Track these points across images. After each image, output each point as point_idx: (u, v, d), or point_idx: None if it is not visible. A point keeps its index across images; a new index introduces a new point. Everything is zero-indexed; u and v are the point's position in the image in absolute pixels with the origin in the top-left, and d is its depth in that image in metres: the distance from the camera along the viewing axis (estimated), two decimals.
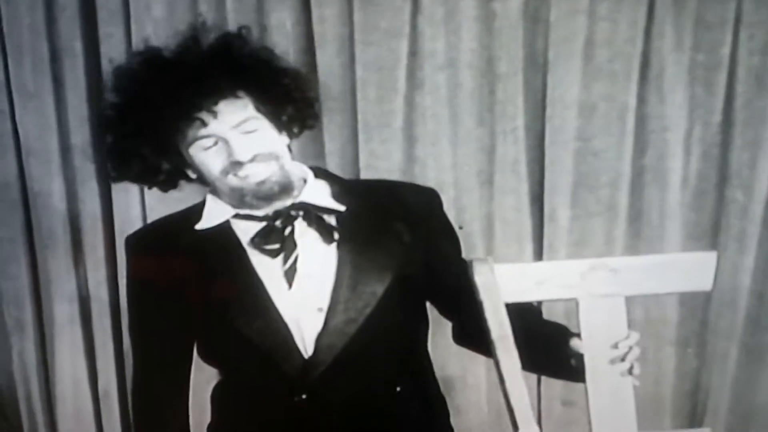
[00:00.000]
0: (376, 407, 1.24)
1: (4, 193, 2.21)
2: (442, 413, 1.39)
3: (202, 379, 1.38)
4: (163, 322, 1.26)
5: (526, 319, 1.11)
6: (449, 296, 1.26)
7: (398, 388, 1.27)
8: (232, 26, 1.99)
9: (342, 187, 1.27)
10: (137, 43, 2.01)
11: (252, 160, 1.15)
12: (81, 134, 2.14)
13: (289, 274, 1.20)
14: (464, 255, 1.35)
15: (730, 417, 2.15)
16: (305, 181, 1.25)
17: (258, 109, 1.17)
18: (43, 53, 2.12)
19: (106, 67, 2.03)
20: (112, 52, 2.04)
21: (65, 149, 2.18)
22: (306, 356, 1.19)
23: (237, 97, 1.15)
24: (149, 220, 2.13)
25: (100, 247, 2.22)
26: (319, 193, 1.25)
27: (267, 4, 2.02)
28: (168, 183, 1.26)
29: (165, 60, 1.16)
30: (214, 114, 1.13)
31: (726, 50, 1.94)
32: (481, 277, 1.03)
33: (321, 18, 2.01)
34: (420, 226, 1.25)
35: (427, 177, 2.04)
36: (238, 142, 1.14)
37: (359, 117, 2.05)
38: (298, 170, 1.26)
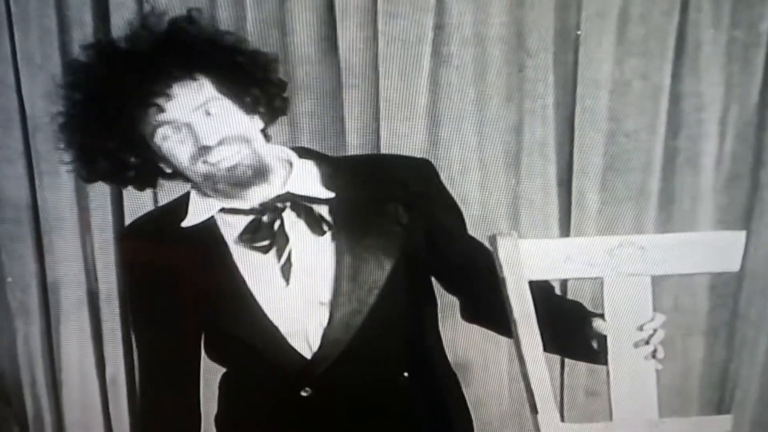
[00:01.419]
0: (383, 397, 1.21)
1: (10, 171, 2.13)
2: (454, 400, 1.34)
3: (211, 368, 1.33)
4: (156, 318, 1.24)
5: (546, 298, 1.08)
6: (454, 272, 1.23)
7: (405, 374, 1.23)
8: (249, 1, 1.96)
9: (330, 168, 1.22)
10: (148, 13, 1.96)
11: (220, 143, 1.11)
12: None
13: (286, 270, 1.16)
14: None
15: (758, 407, 2.14)
16: (291, 164, 1.21)
17: (220, 91, 1.13)
18: (51, 24, 2.03)
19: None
20: (124, 22, 1.97)
21: None
22: (310, 352, 1.16)
23: (193, 79, 1.11)
24: (160, 200, 2.09)
25: (109, 229, 2.14)
26: (306, 181, 1.20)
27: None
28: (142, 180, 1.23)
29: (115, 50, 1.14)
30: (168, 97, 1.09)
31: (765, 26, 1.91)
32: (504, 252, 1.00)
33: None
34: (416, 202, 1.21)
35: (451, 157, 1.99)
36: (202, 125, 1.11)
37: (381, 94, 1.98)
38: (279, 153, 1.22)
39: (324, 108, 1.96)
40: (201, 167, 1.12)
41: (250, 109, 1.17)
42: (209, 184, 1.15)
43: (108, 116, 1.10)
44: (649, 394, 1.03)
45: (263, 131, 1.20)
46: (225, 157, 1.11)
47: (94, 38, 1.19)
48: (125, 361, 2.24)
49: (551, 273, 1.03)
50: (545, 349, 1.05)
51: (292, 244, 1.16)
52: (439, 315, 1.33)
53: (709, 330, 2.10)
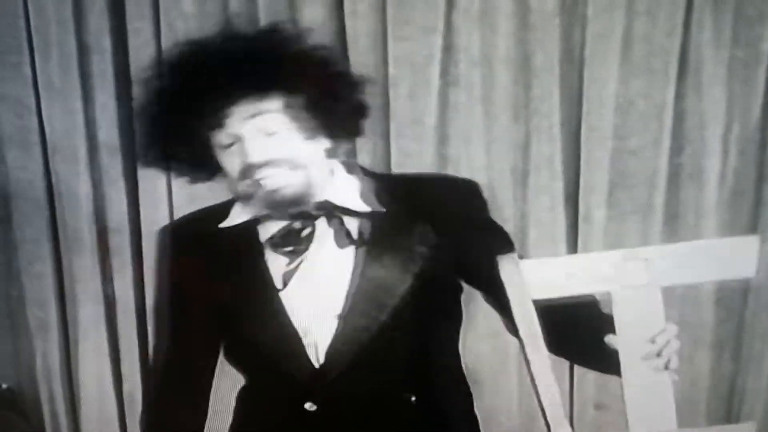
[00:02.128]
0: (387, 416, 1.19)
1: (29, 192, 2.18)
2: (463, 418, 1.31)
3: (228, 383, 1.34)
4: (187, 318, 1.23)
5: (575, 308, 1.07)
6: (495, 290, 1.17)
7: (413, 398, 1.21)
8: (264, 22, 1.98)
9: (374, 184, 1.22)
10: (166, 38, 2.01)
11: (266, 164, 1.10)
12: (108, 132, 2.11)
13: (288, 275, 1.16)
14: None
15: (766, 419, 2.12)
16: (333, 175, 1.20)
17: (292, 107, 1.11)
18: (70, 49, 2.09)
19: (135, 63, 2.03)
20: (141, 47, 2.03)
21: (92, 147, 2.14)
22: (317, 363, 1.16)
23: (265, 93, 1.10)
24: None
25: (126, 248, 2.19)
26: (345, 192, 1.19)
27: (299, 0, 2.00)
28: (198, 173, 1.22)
29: (204, 51, 1.13)
30: (240, 109, 1.09)
31: (766, 46, 1.93)
32: (506, 274, 0.99)
33: (353, 13, 1.98)
34: (455, 221, 1.19)
35: (459, 175, 2.00)
36: (254, 142, 1.10)
37: (391, 114, 2.02)
38: (328, 169, 1.20)
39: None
40: (245, 184, 1.12)
41: (318, 129, 1.14)
42: (244, 203, 1.16)
43: (178, 111, 1.11)
44: (667, 405, 1.00)
45: (327, 151, 1.18)
46: (267, 178, 1.10)
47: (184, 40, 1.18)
48: (142, 377, 2.25)
49: (557, 291, 1.00)
50: (557, 353, 1.05)
51: (310, 252, 1.16)
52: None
53: (716, 343, 2.10)
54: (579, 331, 1.08)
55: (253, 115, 1.09)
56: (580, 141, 2.01)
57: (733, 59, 1.94)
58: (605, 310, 1.06)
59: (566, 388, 2.12)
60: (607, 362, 1.05)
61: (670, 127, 1.98)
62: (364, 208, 1.18)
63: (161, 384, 1.31)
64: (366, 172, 1.26)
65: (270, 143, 1.10)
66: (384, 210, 1.18)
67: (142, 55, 2.02)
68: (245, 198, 1.15)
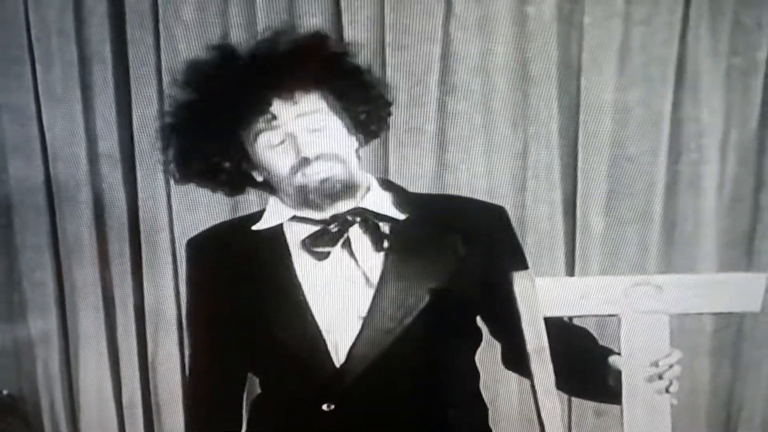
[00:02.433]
0: (403, 421, 1.21)
1: (31, 199, 2.18)
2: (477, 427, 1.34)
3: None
4: (219, 323, 1.26)
5: (576, 340, 1.13)
6: (502, 317, 1.21)
7: (432, 405, 1.23)
8: (262, 31, 2.00)
9: (405, 198, 1.26)
10: (166, 48, 2.02)
11: (318, 157, 1.15)
12: (109, 140, 2.12)
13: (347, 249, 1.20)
14: None
15: (765, 427, 2.12)
16: (369, 189, 1.25)
17: (332, 107, 1.18)
18: (72, 58, 2.10)
19: (135, 72, 2.05)
20: (141, 56, 2.04)
21: (93, 155, 2.15)
22: (338, 363, 1.18)
23: (308, 92, 1.16)
24: (175, 231, 2.12)
25: (126, 256, 2.19)
26: (380, 201, 1.24)
27: (298, 8, 2.00)
28: (232, 186, 1.27)
29: (239, 56, 1.17)
30: (284, 107, 1.14)
31: (763, 54, 1.93)
32: (520, 288, 1.02)
33: (352, 21, 1.99)
34: (480, 242, 1.22)
35: (458, 183, 2.02)
36: (305, 138, 1.15)
37: (390, 122, 1.99)
38: (364, 178, 1.26)
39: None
40: (297, 178, 1.17)
41: (356, 127, 1.22)
42: (301, 195, 1.19)
43: (217, 119, 1.14)
44: (664, 427, 1.04)
45: (356, 151, 1.25)
46: (320, 171, 1.16)
47: (216, 42, 1.21)
48: (142, 384, 2.26)
49: (568, 310, 1.05)
50: (560, 388, 1.07)
51: (342, 253, 1.20)
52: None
53: (715, 351, 2.10)
54: (578, 365, 1.11)
55: (301, 114, 1.15)
56: (578, 149, 2.01)
57: (730, 67, 1.95)
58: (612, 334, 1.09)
59: (565, 397, 2.12)
60: (607, 392, 1.09)
61: (668, 135, 1.98)
62: (399, 215, 1.22)
63: (197, 395, 1.36)
64: (398, 189, 1.30)
65: (318, 139, 1.16)
66: (416, 219, 1.22)
67: (142, 64, 2.04)
68: (300, 191, 1.18)
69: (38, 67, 2.11)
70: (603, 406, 2.02)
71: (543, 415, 1.01)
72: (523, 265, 1.27)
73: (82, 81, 2.12)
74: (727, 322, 2.08)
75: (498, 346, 1.33)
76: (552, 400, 1.01)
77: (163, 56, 2.03)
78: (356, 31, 1.99)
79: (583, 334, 1.19)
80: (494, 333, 1.30)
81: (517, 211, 2.06)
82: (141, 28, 2.05)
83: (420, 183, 1.99)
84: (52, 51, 2.10)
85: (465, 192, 1.98)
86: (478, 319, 1.30)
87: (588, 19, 1.94)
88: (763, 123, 1.98)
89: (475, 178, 2.04)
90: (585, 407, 2.12)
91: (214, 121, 1.15)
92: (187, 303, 1.32)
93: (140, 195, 2.13)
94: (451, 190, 1.99)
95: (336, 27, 2.01)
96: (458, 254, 1.21)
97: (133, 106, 2.03)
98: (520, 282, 1.02)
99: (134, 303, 2.22)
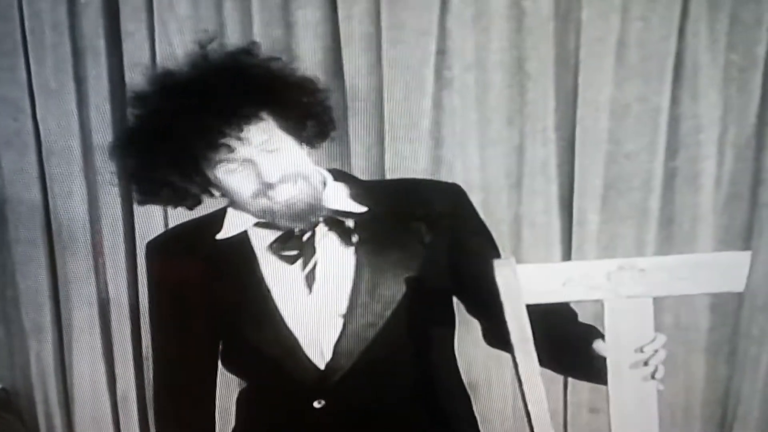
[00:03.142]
0: (394, 413, 1.22)
1: (25, 194, 2.18)
2: (464, 418, 1.35)
3: (230, 384, 1.35)
4: (184, 328, 1.25)
5: (557, 320, 1.10)
6: (477, 295, 1.23)
7: (418, 393, 1.24)
8: (257, 24, 2.00)
9: (360, 189, 1.26)
10: (160, 41, 2.02)
11: (281, 180, 1.14)
12: (103, 134, 2.11)
13: (309, 280, 1.19)
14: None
15: (761, 423, 2.12)
16: (324, 184, 1.24)
17: (281, 126, 1.16)
18: (65, 51, 2.09)
19: (129, 66, 2.03)
20: (135, 50, 2.03)
21: (87, 149, 2.15)
22: (323, 363, 1.18)
23: (260, 118, 1.14)
24: (170, 223, 2.10)
25: (120, 250, 2.19)
26: (338, 197, 1.23)
27: (293, 1, 1.99)
28: (195, 203, 1.25)
29: (183, 85, 1.14)
30: (239, 138, 1.11)
31: (761, 50, 1.92)
32: (502, 278, 1.00)
33: (348, 16, 1.97)
34: (442, 223, 1.22)
35: (454, 179, 1.96)
36: (265, 163, 1.13)
37: (385, 117, 2.01)
38: (318, 175, 1.24)
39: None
40: (262, 202, 1.15)
41: (305, 140, 1.20)
42: (267, 218, 1.18)
43: (176, 151, 1.12)
44: (651, 414, 1.03)
45: (308, 156, 1.23)
46: (284, 192, 1.14)
47: (153, 71, 1.19)
48: (136, 377, 2.27)
49: (551, 296, 1.03)
50: (548, 366, 1.08)
51: (319, 256, 1.19)
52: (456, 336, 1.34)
53: (711, 347, 2.10)
54: (562, 341, 1.10)
55: (254, 140, 1.12)
56: (574, 145, 2.00)
57: (728, 63, 1.93)
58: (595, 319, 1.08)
59: (560, 391, 2.13)
60: (593, 372, 1.07)
61: (666, 131, 1.97)
62: (361, 209, 1.21)
63: (163, 392, 1.34)
64: (352, 179, 1.29)
65: (277, 161, 1.14)
66: (378, 211, 1.21)
67: (136, 57, 2.03)
68: (265, 214, 1.18)
69: (32, 59, 2.10)
70: (598, 403, 2.06)
71: (529, 404, 1.01)
72: (488, 242, 1.28)
73: (76, 74, 2.11)
74: (722, 319, 2.08)
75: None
76: (537, 391, 1.00)
77: (157, 49, 2.02)
78: (352, 26, 1.98)
79: (563, 310, 1.17)
80: (471, 312, 1.29)
81: (513, 207, 2.06)
82: (135, 21, 2.04)
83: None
84: (46, 44, 2.09)
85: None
86: (454, 300, 1.30)
87: (585, 14, 1.92)
88: (761, 119, 1.96)
89: (470, 174, 2.03)
90: (580, 404, 2.13)
91: (174, 154, 1.13)
92: (149, 307, 1.31)
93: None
94: None
95: (331, 21, 2.00)
96: (424, 239, 1.20)
97: (128, 100, 2.01)
98: (501, 270, 1.00)
99: (128, 296, 2.22)
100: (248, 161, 1.13)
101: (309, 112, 1.18)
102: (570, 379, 2.11)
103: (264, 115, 1.14)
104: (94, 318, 2.25)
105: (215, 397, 1.33)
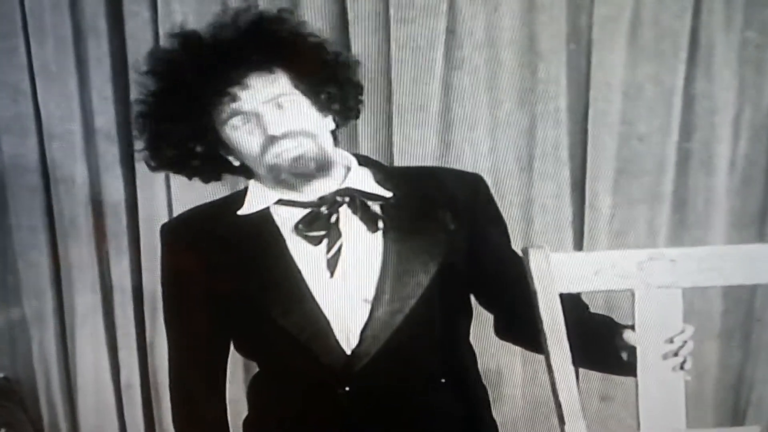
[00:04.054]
0: (419, 399, 1.22)
1: (26, 179, 2.16)
2: (484, 405, 1.35)
3: (240, 370, 1.33)
4: (199, 312, 1.24)
5: (578, 314, 1.10)
6: (493, 287, 1.24)
7: (443, 380, 1.24)
8: (261, 4, 1.96)
9: (386, 174, 1.25)
10: (163, 21, 1.98)
11: (285, 135, 1.13)
12: (105, 117, 2.08)
13: (332, 263, 1.18)
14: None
15: None
16: (349, 168, 1.23)
17: (296, 86, 1.16)
18: (66, 32, 2.06)
19: (131, 47, 2.01)
20: (138, 30, 2.00)
21: (89, 133, 2.12)
22: (349, 348, 1.17)
23: (270, 71, 1.14)
24: (174, 205, 2.11)
25: (123, 236, 2.17)
26: (364, 180, 1.22)
27: None
28: (207, 171, 1.25)
29: (199, 40, 1.16)
30: (245, 87, 1.13)
31: None
32: (536, 265, 1.01)
33: None
34: (464, 213, 1.22)
35: (463, 162, 1.99)
36: (271, 116, 1.13)
37: (394, 99, 1.99)
38: (340, 157, 1.24)
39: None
40: (268, 158, 1.14)
41: (324, 106, 1.19)
42: (274, 174, 1.17)
43: (183, 104, 1.13)
44: (678, 404, 1.04)
45: (333, 132, 1.23)
46: (290, 148, 1.14)
47: (177, 29, 1.20)
48: (140, 365, 2.25)
49: (582, 285, 1.04)
50: (574, 364, 1.05)
51: (344, 239, 1.18)
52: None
53: (724, 333, 2.09)
54: (589, 333, 1.09)
55: (265, 93, 1.13)
56: (587, 126, 1.98)
57: (744, 42, 1.91)
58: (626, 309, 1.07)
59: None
60: (620, 363, 1.08)
61: (679, 112, 1.95)
62: (387, 193, 1.21)
63: (178, 379, 1.32)
64: (377, 164, 1.28)
65: (284, 116, 1.14)
66: (404, 197, 1.21)
67: (139, 38, 2.00)
68: (272, 170, 1.16)
69: (32, 41, 2.06)
70: (609, 391, 2.05)
71: (560, 395, 1.00)
72: (504, 235, 1.29)
73: (77, 56, 2.08)
74: (735, 304, 2.07)
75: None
76: (569, 380, 1.00)
77: (160, 30, 1.99)
78: (360, 5, 1.95)
79: (575, 302, 1.17)
80: (486, 304, 1.29)
81: (524, 190, 2.04)
82: (138, 1, 2.01)
83: (424, 162, 1.96)
84: (46, 25, 2.05)
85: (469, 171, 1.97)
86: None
87: None
88: None
89: (480, 157, 2.01)
90: (591, 392, 2.12)
91: (182, 107, 1.13)
92: (164, 292, 1.29)
93: (138, 172, 2.10)
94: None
95: (338, 0, 1.97)
96: (449, 228, 1.21)
97: (131, 82, 1.98)
98: (535, 258, 1.00)
99: (132, 283, 2.20)
100: (253, 114, 1.14)
101: (328, 77, 1.18)
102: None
103: (276, 68, 1.14)
104: (97, 305, 2.23)
105: (226, 384, 1.32)
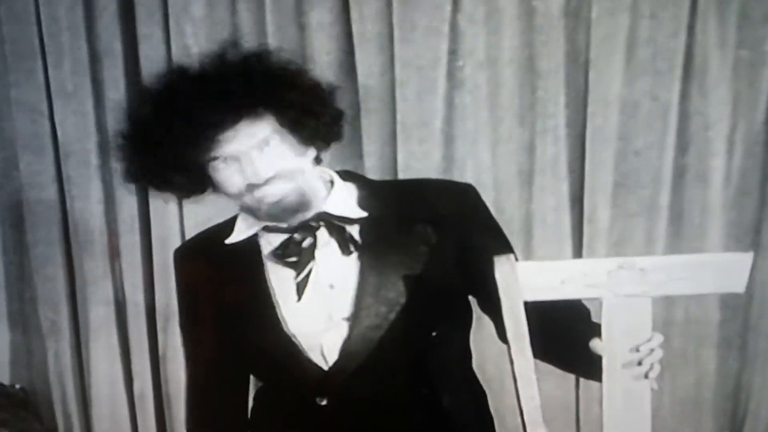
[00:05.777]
0: (398, 410, 1.23)
1: (42, 195, 2.21)
2: (476, 413, 1.34)
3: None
4: (207, 331, 1.27)
5: (565, 315, 1.09)
6: (486, 293, 1.18)
7: (424, 390, 1.24)
8: (271, 26, 2.02)
9: (369, 190, 1.25)
10: (176, 44, 2.04)
11: (267, 182, 1.12)
12: None
13: (301, 286, 1.19)
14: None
15: None
16: (332, 183, 1.23)
17: (281, 125, 1.13)
18: (82, 54, 2.12)
19: (145, 68, 2.06)
20: (151, 52, 2.05)
21: (103, 151, 2.17)
22: (326, 364, 1.19)
23: (257, 115, 1.11)
24: (186, 224, 2.16)
25: (136, 250, 2.22)
26: (342, 201, 1.22)
27: (306, 3, 2.01)
28: (189, 192, 1.22)
29: (187, 81, 1.13)
30: (234, 134, 1.09)
31: None
32: (501, 274, 0.99)
33: (360, 16, 2.00)
34: (449, 224, 1.21)
35: (465, 177, 2.02)
36: (252, 162, 1.11)
37: (398, 117, 2.03)
38: (323, 175, 1.24)
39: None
40: (248, 200, 1.14)
41: (307, 140, 1.16)
42: (253, 213, 1.19)
43: (169, 142, 1.11)
44: (643, 414, 1.02)
45: (316, 158, 1.20)
46: (269, 194, 1.12)
47: (166, 66, 1.19)
48: (153, 376, 2.29)
49: (550, 294, 1.01)
50: (548, 360, 1.09)
51: (316, 262, 1.19)
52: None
53: (722, 341, 2.10)
54: (565, 336, 1.10)
55: (248, 136, 1.10)
56: (585, 142, 2.01)
57: (737, 60, 1.94)
58: (593, 317, 1.08)
59: (572, 386, 2.14)
60: (591, 369, 1.06)
61: (675, 127, 1.98)
62: (362, 214, 1.21)
63: (200, 401, 1.35)
64: (361, 179, 1.28)
65: (266, 160, 1.11)
66: (382, 214, 1.21)
67: (152, 59, 2.05)
68: (249, 211, 1.19)
69: (49, 62, 2.13)
70: None
71: (522, 402, 1.00)
72: (500, 241, 1.26)
73: (93, 76, 2.14)
74: (733, 313, 2.08)
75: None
76: (531, 388, 1.00)
77: (173, 52, 2.05)
78: (364, 26, 2.00)
79: (576, 307, 1.16)
80: (484, 309, 1.28)
81: (524, 204, 2.08)
82: (151, 23, 2.07)
83: (428, 176, 1.97)
84: (63, 47, 2.12)
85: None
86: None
87: (595, 12, 1.94)
88: None
89: (481, 172, 2.05)
90: (591, 399, 2.13)
91: (164, 147, 1.11)
92: (179, 310, 1.34)
93: (151, 190, 2.13)
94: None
95: (343, 21, 2.02)
96: (430, 241, 1.20)
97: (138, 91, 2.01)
98: (500, 267, 0.99)
99: (144, 296, 2.24)
100: (234, 159, 1.11)
101: (311, 111, 1.15)
102: None
103: (262, 112, 1.11)
104: (111, 317, 2.27)
105: (248, 397, 1.35)
